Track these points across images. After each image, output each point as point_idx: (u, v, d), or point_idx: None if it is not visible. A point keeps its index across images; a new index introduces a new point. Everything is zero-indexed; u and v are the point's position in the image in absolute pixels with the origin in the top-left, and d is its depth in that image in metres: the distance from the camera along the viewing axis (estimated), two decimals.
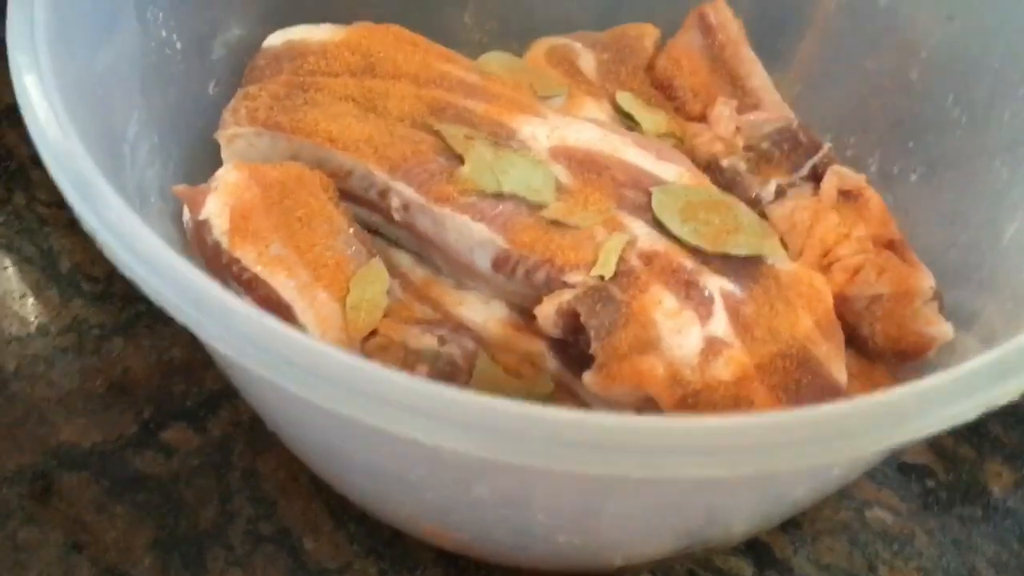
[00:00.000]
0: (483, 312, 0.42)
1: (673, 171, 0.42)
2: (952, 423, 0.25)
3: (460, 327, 0.41)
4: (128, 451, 0.43)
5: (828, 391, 0.37)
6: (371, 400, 0.24)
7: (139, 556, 0.40)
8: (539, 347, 0.40)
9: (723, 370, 0.36)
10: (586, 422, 0.24)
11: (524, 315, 0.41)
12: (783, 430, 0.23)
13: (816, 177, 0.46)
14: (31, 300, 0.47)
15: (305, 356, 0.25)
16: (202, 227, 0.39)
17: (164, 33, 0.41)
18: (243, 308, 0.25)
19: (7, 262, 0.49)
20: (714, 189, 0.42)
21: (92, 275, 0.49)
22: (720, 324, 0.37)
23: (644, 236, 0.39)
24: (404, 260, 0.44)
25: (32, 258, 0.49)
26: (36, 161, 0.53)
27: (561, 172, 0.41)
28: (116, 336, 0.46)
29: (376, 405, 0.24)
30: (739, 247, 0.39)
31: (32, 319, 0.47)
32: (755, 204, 0.45)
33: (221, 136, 0.43)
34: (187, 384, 0.45)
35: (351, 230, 0.41)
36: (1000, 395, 0.25)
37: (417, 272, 0.43)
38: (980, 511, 0.45)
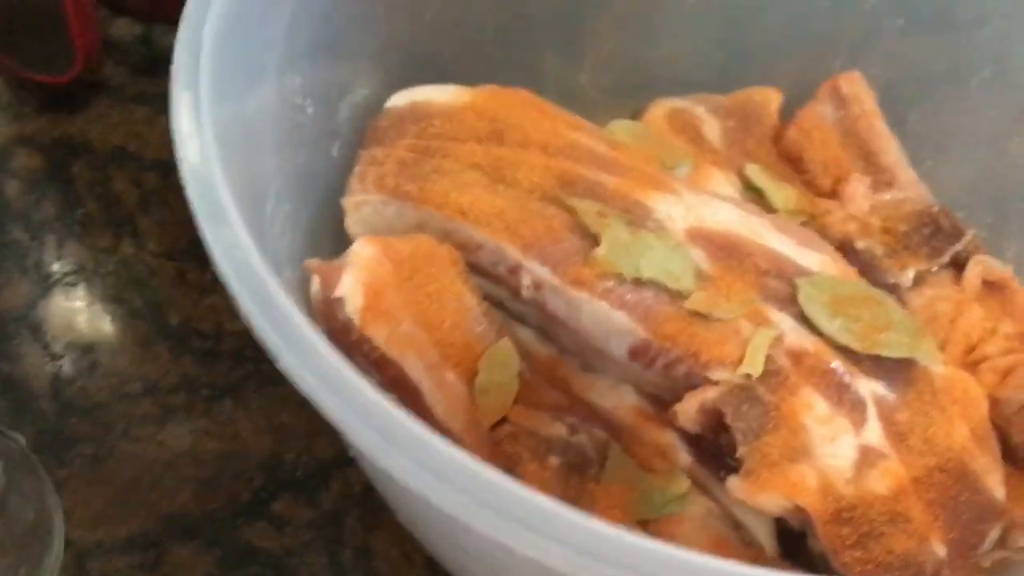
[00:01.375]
0: (612, 398, 0.40)
1: (816, 259, 0.40)
2: None
3: (590, 414, 0.40)
4: (240, 521, 0.42)
5: (987, 508, 0.35)
6: (522, 527, 0.23)
7: None
8: (669, 439, 0.39)
9: (878, 483, 0.34)
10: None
11: (654, 402, 0.40)
12: None
13: (957, 264, 0.44)
14: (140, 356, 0.47)
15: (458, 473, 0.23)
16: (335, 304, 0.38)
17: (299, 99, 0.40)
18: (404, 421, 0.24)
19: (116, 314, 0.48)
20: (862, 282, 0.40)
21: (201, 330, 0.48)
22: (874, 432, 0.35)
23: (791, 332, 0.37)
24: (527, 336, 0.42)
25: (140, 311, 0.48)
26: (145, 208, 0.52)
27: (700, 256, 0.40)
28: (226, 397, 0.46)
29: (524, 532, 0.23)
30: (892, 348, 0.37)
31: (141, 376, 0.46)
32: (892, 291, 0.44)
33: (348, 203, 0.42)
34: (297, 452, 0.44)
35: (481, 308, 0.40)
36: None
37: (541, 350, 0.42)
38: None
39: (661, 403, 0.39)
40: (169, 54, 0.32)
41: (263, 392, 0.46)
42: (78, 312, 0.48)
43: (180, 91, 0.32)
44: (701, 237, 0.40)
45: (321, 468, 0.44)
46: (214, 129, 0.31)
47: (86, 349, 0.47)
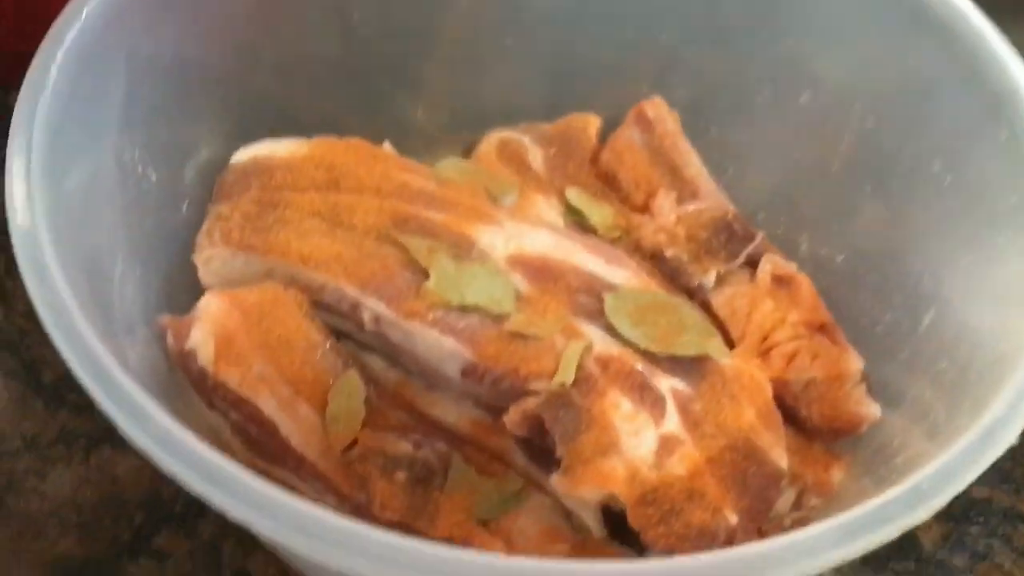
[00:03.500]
0: (454, 412, 0.45)
1: (621, 275, 0.46)
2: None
3: (433, 429, 0.44)
4: (123, 560, 0.46)
5: (771, 478, 0.41)
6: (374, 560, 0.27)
7: None
8: (507, 444, 0.44)
9: (677, 466, 0.40)
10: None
11: (490, 413, 0.45)
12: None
13: (752, 263, 0.50)
14: (17, 413, 0.50)
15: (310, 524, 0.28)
16: (188, 356, 0.41)
17: (140, 169, 0.44)
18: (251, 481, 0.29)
19: None
20: (660, 291, 0.46)
21: (74, 386, 0.50)
22: (672, 422, 0.41)
23: (599, 341, 0.43)
24: (377, 364, 0.47)
25: (15, 371, 0.51)
26: (11, 273, 0.55)
27: (519, 280, 0.45)
28: (104, 444, 0.49)
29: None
30: (686, 348, 0.43)
31: (20, 433, 0.49)
32: (698, 292, 0.49)
33: (198, 259, 0.46)
34: (175, 486, 0.48)
35: (327, 344, 0.44)
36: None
37: (389, 375, 0.46)
38: (913, 564, 0.49)
39: (496, 412, 0.44)
40: None
41: None
42: None
43: (13, 159, 0.36)
44: (520, 263, 0.46)
45: (198, 500, 0.47)
46: (47, 199, 0.35)
47: None
